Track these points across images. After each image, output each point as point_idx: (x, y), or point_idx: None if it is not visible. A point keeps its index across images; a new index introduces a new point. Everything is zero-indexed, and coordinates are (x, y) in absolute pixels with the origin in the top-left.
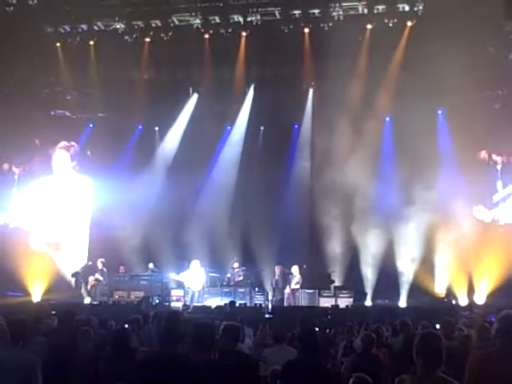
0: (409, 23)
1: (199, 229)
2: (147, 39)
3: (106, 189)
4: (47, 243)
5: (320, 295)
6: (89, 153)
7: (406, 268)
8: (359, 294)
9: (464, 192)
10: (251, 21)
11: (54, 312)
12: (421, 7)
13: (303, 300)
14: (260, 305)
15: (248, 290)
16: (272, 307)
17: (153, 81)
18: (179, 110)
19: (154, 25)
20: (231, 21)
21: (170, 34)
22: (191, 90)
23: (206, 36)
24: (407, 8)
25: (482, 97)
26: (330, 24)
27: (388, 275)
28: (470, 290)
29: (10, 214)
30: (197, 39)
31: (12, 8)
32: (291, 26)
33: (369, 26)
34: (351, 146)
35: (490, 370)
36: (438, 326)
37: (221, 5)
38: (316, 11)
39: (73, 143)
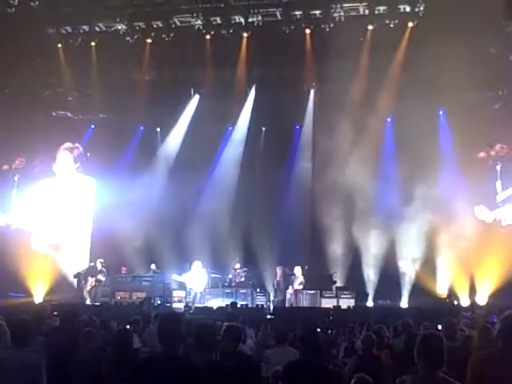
0: (410, 24)
1: (201, 229)
2: (148, 40)
3: (108, 190)
4: (49, 244)
5: (322, 296)
6: (88, 154)
7: (408, 268)
8: (361, 295)
9: (465, 192)
10: (252, 22)
11: (56, 313)
12: (422, 8)
13: (305, 301)
14: (262, 306)
15: (250, 290)
16: (274, 308)
17: (154, 82)
18: (181, 111)
19: (155, 26)
20: (232, 22)
21: (172, 34)
22: (192, 90)
23: (208, 37)
24: (408, 9)
25: (482, 97)
26: (331, 25)
27: (390, 276)
28: (472, 291)
29: (12, 215)
30: (198, 40)
31: (14, 9)
32: (292, 27)
33: (370, 27)
34: (352, 146)
35: (491, 371)
36: (439, 327)
37: (222, 6)
38: (317, 12)
39: (77, 145)
